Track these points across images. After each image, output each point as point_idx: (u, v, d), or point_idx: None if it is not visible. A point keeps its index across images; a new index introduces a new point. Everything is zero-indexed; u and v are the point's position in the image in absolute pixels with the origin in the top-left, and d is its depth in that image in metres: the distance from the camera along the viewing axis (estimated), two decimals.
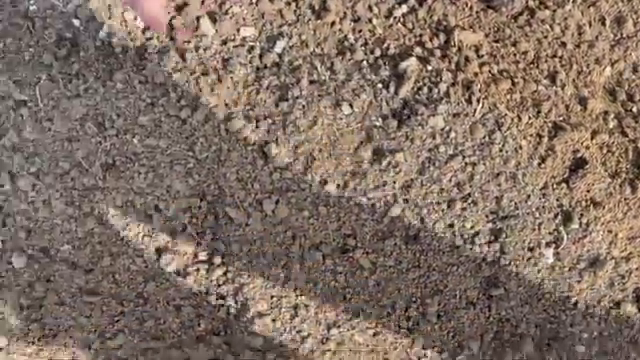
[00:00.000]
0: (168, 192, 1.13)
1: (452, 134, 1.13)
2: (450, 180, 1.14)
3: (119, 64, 1.07)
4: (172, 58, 1.10)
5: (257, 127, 1.11)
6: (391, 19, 1.16)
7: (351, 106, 1.12)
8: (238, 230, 1.14)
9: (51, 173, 1.11)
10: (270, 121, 1.11)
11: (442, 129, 1.13)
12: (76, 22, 1.16)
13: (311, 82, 1.13)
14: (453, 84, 1.13)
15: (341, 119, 1.11)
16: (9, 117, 1.10)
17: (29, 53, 1.10)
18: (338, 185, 1.13)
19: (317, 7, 1.17)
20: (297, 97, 1.11)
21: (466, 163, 1.14)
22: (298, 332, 1.17)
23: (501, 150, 1.14)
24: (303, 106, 1.11)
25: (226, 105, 1.11)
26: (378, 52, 1.14)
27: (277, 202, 1.13)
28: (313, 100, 1.11)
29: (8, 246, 1.14)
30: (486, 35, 1.16)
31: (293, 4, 1.18)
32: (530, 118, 1.14)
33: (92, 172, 1.11)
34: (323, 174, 1.13)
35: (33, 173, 1.11)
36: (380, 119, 1.13)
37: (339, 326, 1.18)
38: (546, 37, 1.16)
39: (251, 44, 1.18)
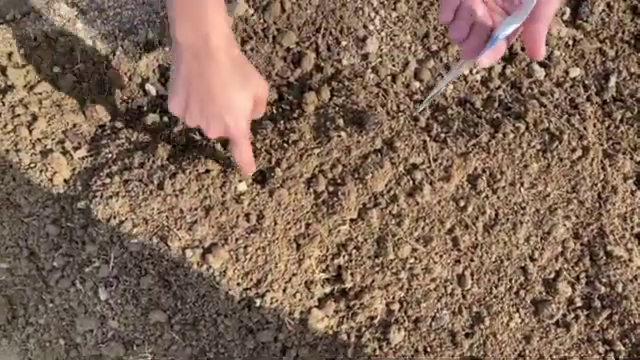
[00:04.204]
0: (543, 239, 1.10)
1: None
2: None
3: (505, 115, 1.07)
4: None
5: (631, 159, 1.10)
6: None
7: None
8: (619, 269, 1.10)
9: (434, 236, 1.07)
10: None
11: None
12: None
13: None
14: None
15: None
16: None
17: None
18: None
19: (634, 42, 1.20)
20: None
21: None
22: None
23: None
24: None
25: (597, 143, 1.10)
26: None
27: None
28: None
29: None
30: None
31: (609, 44, 1.21)
32: None
33: (474, 229, 1.07)
34: None
35: (415, 237, 1.07)
36: None
37: None
38: None
39: (585, 82, 1.19)
